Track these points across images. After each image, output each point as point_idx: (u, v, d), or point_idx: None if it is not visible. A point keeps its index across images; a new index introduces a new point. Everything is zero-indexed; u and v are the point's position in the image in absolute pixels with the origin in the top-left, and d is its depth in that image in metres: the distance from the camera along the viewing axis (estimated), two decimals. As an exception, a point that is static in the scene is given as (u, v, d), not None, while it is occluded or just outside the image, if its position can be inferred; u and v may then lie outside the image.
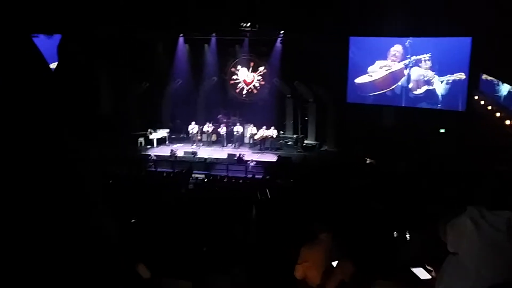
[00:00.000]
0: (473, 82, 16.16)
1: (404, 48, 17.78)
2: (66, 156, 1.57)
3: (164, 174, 15.01)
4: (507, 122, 14.14)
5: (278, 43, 20.24)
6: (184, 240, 4.80)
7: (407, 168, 13.57)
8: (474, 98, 16.15)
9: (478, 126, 14.76)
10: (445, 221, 1.85)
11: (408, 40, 17.61)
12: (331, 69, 18.22)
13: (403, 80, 18.07)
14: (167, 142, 20.56)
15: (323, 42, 17.60)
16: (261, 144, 19.64)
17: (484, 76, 15.71)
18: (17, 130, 1.32)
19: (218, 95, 21.48)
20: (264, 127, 19.40)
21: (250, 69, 21.39)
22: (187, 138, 20.78)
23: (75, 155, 1.65)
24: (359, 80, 18.74)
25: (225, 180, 14.45)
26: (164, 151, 19.06)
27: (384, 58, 18.26)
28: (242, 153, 18.21)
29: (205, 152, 18.92)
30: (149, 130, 20.12)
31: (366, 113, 18.04)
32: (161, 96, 21.35)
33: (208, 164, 17.31)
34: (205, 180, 14.57)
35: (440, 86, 17.23)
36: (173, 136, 21.18)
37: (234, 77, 21.62)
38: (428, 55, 17.25)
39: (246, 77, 21.50)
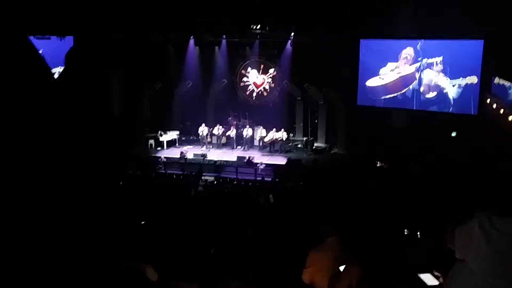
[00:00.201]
0: (485, 85, 16.00)
1: (416, 50, 17.67)
2: (69, 157, 1.58)
3: (174, 176, 15.07)
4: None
5: (288, 46, 20.23)
6: (192, 242, 4.81)
7: (419, 172, 13.48)
8: (486, 101, 16.00)
9: (490, 130, 14.62)
10: (452, 228, 1.83)
11: (420, 43, 17.50)
12: (342, 72, 18.19)
13: (414, 83, 17.96)
14: (177, 144, 20.64)
15: (333, 44, 17.59)
16: (271, 147, 19.63)
17: (496, 80, 15.56)
18: (18, 132, 1.33)
19: (228, 97, 21.54)
20: (274, 129, 19.39)
21: (260, 71, 21.41)
22: (197, 140, 20.84)
23: (81, 156, 1.66)
24: (370, 83, 18.65)
25: (235, 182, 14.47)
26: (174, 153, 19.14)
27: (395, 60, 18.16)
28: (251, 155, 18.21)
29: (215, 154, 18.96)
30: (159, 132, 20.23)
31: (376, 116, 17.96)
32: (171, 98, 21.45)
33: (218, 166, 17.34)
34: (215, 182, 14.60)
35: (452, 89, 17.09)
36: (183, 138, 21.26)
37: (244, 79, 21.65)
38: (440, 58, 17.12)
39: (256, 79, 21.52)
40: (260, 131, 20.09)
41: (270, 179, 15.24)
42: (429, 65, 17.48)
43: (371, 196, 9.00)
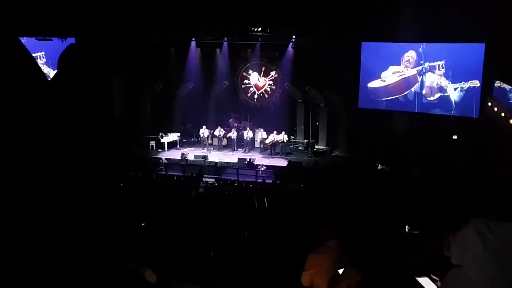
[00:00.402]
0: (486, 89, 16.00)
1: (418, 54, 17.67)
2: (65, 158, 1.58)
3: (175, 178, 15.07)
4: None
5: (290, 48, 20.25)
6: (193, 244, 4.81)
7: (420, 175, 13.46)
8: (487, 104, 15.99)
9: (491, 133, 14.61)
10: (449, 235, 1.83)
11: (422, 46, 17.49)
12: (343, 74, 18.19)
13: (416, 86, 17.95)
14: (178, 145, 20.65)
15: (334, 47, 17.60)
16: (272, 149, 19.63)
17: (497, 83, 15.56)
18: (9, 134, 1.33)
19: (229, 99, 21.56)
20: (275, 131, 19.40)
21: (262, 73, 21.42)
22: (198, 142, 20.87)
23: (76, 156, 1.66)
24: (372, 84, 18.65)
25: (235, 184, 14.47)
26: (175, 154, 19.15)
27: (398, 63, 18.15)
28: (252, 157, 18.21)
29: (216, 156, 18.97)
30: (160, 133, 20.25)
31: (378, 119, 17.95)
32: (172, 100, 21.48)
33: (219, 168, 17.35)
34: (215, 184, 14.60)
35: (454, 93, 17.08)
36: (184, 140, 21.28)
37: (246, 81, 21.67)
38: (442, 62, 17.12)
39: (258, 81, 21.53)
40: (261, 133, 20.11)
41: (271, 181, 15.23)
42: (431, 69, 17.47)
43: (372, 199, 8.99)
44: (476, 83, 16.37)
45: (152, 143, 20.25)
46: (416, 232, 6.79)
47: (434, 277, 3.14)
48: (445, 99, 17.35)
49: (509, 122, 14.68)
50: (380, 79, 18.49)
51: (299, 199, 9.59)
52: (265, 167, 17.25)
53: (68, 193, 1.59)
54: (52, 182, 1.51)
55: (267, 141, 19.74)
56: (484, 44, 15.78)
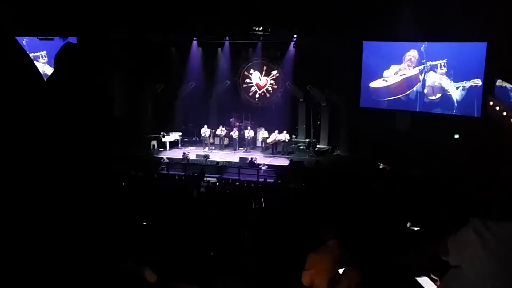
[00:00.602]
0: (488, 88, 15.97)
1: (420, 53, 17.64)
2: (61, 157, 1.58)
3: (176, 177, 15.08)
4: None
5: (291, 47, 20.25)
6: (193, 243, 4.81)
7: (421, 174, 13.45)
8: (489, 103, 15.97)
9: (493, 132, 14.59)
10: (447, 238, 1.82)
11: (424, 45, 17.47)
12: (344, 74, 18.18)
13: (418, 85, 17.93)
14: (179, 145, 20.67)
15: (336, 46, 17.58)
16: (273, 148, 19.64)
17: (499, 82, 15.53)
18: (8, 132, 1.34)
19: (231, 98, 21.57)
20: (277, 131, 19.41)
21: (263, 73, 21.42)
22: (199, 141, 20.88)
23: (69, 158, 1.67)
24: (374, 84, 18.63)
25: (237, 183, 14.47)
26: (176, 154, 19.16)
27: (399, 63, 18.13)
28: (254, 157, 18.22)
29: (217, 156, 18.98)
30: (162, 133, 20.27)
31: (379, 118, 17.93)
32: (174, 99, 21.49)
33: (220, 168, 17.36)
34: (217, 183, 14.61)
35: (455, 92, 17.05)
36: (186, 139, 21.30)
37: (247, 80, 21.67)
38: (444, 61, 17.09)
39: (259, 81, 21.53)
40: (262, 133, 20.12)
41: (272, 180, 15.24)
42: (433, 68, 17.44)
43: (373, 198, 8.99)
44: (478, 82, 16.34)
45: (154, 142, 20.28)
46: (416, 229, 6.80)
47: (433, 277, 3.15)
48: (446, 98, 17.32)
49: (510, 121, 14.65)
50: (382, 79, 18.47)
51: (300, 199, 9.59)
52: (266, 167, 17.25)
53: (66, 193, 1.60)
54: (48, 181, 1.51)
55: (268, 141, 19.75)
56: (485, 43, 15.75)
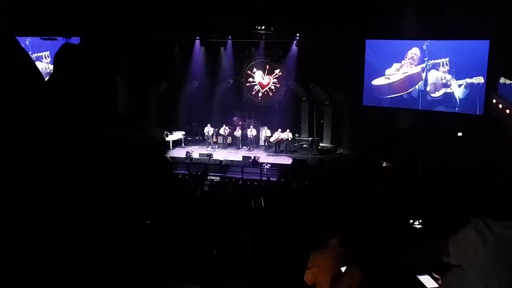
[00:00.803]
0: (491, 86, 15.92)
1: (422, 51, 17.61)
2: (63, 157, 1.61)
3: (180, 176, 15.11)
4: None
5: (294, 46, 20.24)
6: (196, 243, 4.84)
7: (425, 172, 13.44)
8: (492, 101, 15.92)
9: (496, 130, 14.55)
10: (447, 240, 1.83)
11: (426, 43, 17.44)
12: (347, 72, 18.15)
13: (420, 83, 17.90)
14: (182, 144, 20.71)
15: (338, 45, 17.57)
16: (276, 147, 19.66)
17: (502, 80, 15.48)
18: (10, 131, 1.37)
19: (234, 97, 21.57)
20: (280, 129, 19.42)
21: (266, 71, 21.43)
22: (203, 140, 20.92)
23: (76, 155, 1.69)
24: (376, 82, 18.60)
25: (240, 182, 14.50)
26: (179, 153, 19.19)
27: (401, 61, 18.10)
28: (257, 155, 18.24)
29: (220, 154, 19.01)
30: (165, 132, 20.30)
31: (382, 116, 17.91)
32: (177, 98, 21.52)
33: (223, 166, 17.38)
34: (220, 182, 14.64)
35: (458, 89, 17.02)
36: (189, 138, 21.33)
37: (250, 79, 21.68)
38: (446, 59, 17.05)
39: (262, 79, 21.54)
40: (265, 131, 20.13)
41: (275, 179, 15.26)
42: (435, 66, 17.41)
43: (376, 197, 9.00)
44: (480, 79, 16.30)
45: (157, 141, 20.32)
46: (419, 227, 6.82)
47: (435, 275, 3.16)
48: (449, 96, 17.29)
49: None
50: (384, 77, 18.45)
51: (302, 197, 9.61)
52: (269, 165, 17.27)
53: (67, 192, 1.62)
54: (49, 181, 1.53)
55: (271, 139, 19.77)
56: (488, 41, 15.71)
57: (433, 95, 17.69)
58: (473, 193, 8.85)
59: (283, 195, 10.49)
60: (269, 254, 4.76)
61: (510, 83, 14.96)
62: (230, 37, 20.67)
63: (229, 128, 20.38)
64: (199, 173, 14.72)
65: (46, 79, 1.78)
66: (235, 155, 19.14)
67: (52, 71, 1.92)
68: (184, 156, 18.40)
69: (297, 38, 19.93)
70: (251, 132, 20.04)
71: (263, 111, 21.23)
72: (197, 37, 20.89)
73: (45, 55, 19.37)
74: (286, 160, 18.16)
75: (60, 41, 18.24)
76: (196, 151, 19.11)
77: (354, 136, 19.21)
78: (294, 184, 13.13)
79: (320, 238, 4.06)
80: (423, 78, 17.79)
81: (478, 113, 16.46)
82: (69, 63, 1.92)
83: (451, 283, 1.85)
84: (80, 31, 16.50)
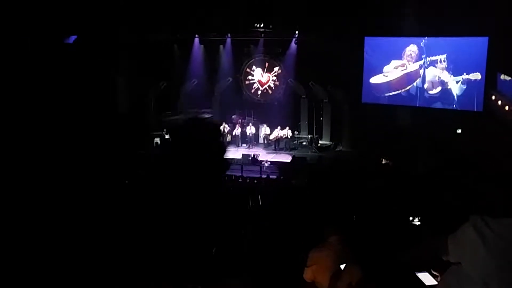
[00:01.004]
0: (490, 82, 15.93)
1: (419, 48, 17.61)
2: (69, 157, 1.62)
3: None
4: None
5: (293, 44, 20.24)
6: (194, 242, 4.82)
7: (424, 170, 13.46)
8: (491, 98, 15.93)
9: (495, 127, 14.56)
10: (446, 237, 1.83)
11: (423, 40, 17.44)
12: (346, 70, 18.15)
13: (418, 80, 17.91)
14: (182, 142, 20.66)
15: (337, 43, 17.56)
16: (276, 145, 19.67)
17: (502, 76, 15.49)
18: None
19: (233, 95, 21.58)
20: (279, 127, 19.42)
21: (265, 69, 21.43)
22: (202, 138, 20.86)
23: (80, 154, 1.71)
24: (374, 80, 18.62)
25: (240, 180, 14.50)
26: (179, 151, 19.15)
27: (399, 58, 18.11)
28: (256, 153, 18.25)
29: (220, 152, 18.96)
30: (165, 130, 20.28)
31: (381, 113, 17.93)
32: (176, 97, 21.52)
33: (223, 164, 17.34)
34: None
35: (455, 86, 17.03)
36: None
37: (249, 77, 21.68)
38: (444, 56, 17.06)
39: (261, 77, 21.54)
40: (265, 129, 20.14)
41: (275, 176, 15.27)
42: (433, 63, 17.42)
43: (375, 194, 9.01)
44: (477, 75, 16.31)
45: (157, 139, 20.30)
46: (418, 224, 6.83)
47: (434, 272, 3.17)
48: (446, 93, 17.31)
49: (513, 115, 14.62)
50: (383, 74, 18.46)
51: (302, 195, 9.62)
52: (269, 163, 17.28)
53: (69, 191, 1.63)
54: (51, 180, 1.55)
55: (271, 137, 19.78)
56: (487, 37, 15.70)
57: (430, 92, 17.70)
58: (472, 189, 8.86)
59: (282, 192, 10.49)
60: (269, 252, 4.77)
61: (510, 80, 14.96)
62: (229, 35, 20.66)
63: (228, 126, 20.37)
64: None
65: None
66: (235, 153, 19.12)
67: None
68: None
69: (296, 36, 19.91)
70: (251, 130, 20.04)
71: (262, 109, 21.23)
72: (196, 36, 20.87)
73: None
74: (286, 157, 18.16)
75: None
76: (196, 149, 19.07)
77: (354, 134, 19.22)
78: (294, 182, 13.13)
79: (319, 236, 4.07)
80: (421, 75, 17.79)
81: (475, 110, 16.49)
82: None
83: (450, 280, 1.86)
84: (77, 31, 16.49)
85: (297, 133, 20.88)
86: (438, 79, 17.40)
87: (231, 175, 15.44)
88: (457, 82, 16.95)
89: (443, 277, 1.95)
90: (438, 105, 17.53)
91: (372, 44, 18.61)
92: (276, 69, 21.25)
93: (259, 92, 21.71)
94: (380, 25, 17.03)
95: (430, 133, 15.93)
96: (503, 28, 13.68)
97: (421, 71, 17.75)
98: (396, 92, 18.38)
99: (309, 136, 20.64)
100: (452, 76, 17.06)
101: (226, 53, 21.21)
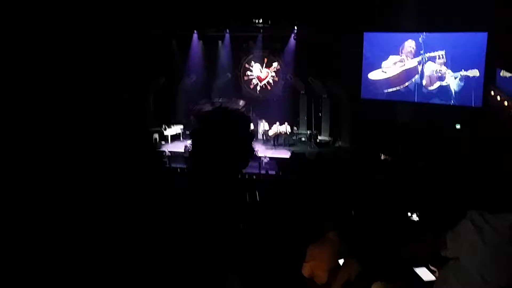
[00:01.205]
0: (489, 78, 15.92)
1: (418, 43, 17.59)
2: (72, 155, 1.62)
3: (178, 170, 15.09)
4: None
5: (292, 39, 20.21)
6: (195, 238, 4.82)
7: (424, 165, 13.47)
8: (490, 94, 15.92)
9: (493, 122, 14.57)
10: (444, 232, 1.84)
11: (422, 36, 17.41)
12: (345, 65, 18.14)
13: (416, 76, 17.90)
14: (181, 138, 20.70)
15: (336, 38, 17.54)
16: (275, 140, 19.67)
17: (502, 73, 15.48)
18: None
19: (232, 91, 21.55)
20: (278, 123, 19.43)
21: (264, 65, 21.42)
22: (201, 134, 20.85)
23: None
24: (372, 75, 18.60)
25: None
26: (178, 147, 19.17)
27: (398, 53, 18.10)
28: (255, 149, 18.21)
29: (219, 148, 18.95)
30: (163, 126, 20.29)
31: (380, 109, 17.93)
32: (175, 93, 21.51)
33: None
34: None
35: (453, 82, 17.02)
36: (187, 132, 21.29)
37: (248, 73, 21.67)
38: (443, 52, 17.04)
39: (260, 73, 21.52)
40: (264, 125, 20.14)
41: (274, 172, 15.27)
42: (431, 59, 17.39)
43: (374, 190, 9.01)
44: (475, 72, 16.30)
45: (155, 135, 20.30)
46: (416, 219, 6.83)
47: (432, 267, 3.17)
48: (444, 89, 17.29)
49: None
50: (381, 70, 18.44)
51: (300, 190, 9.61)
52: (268, 159, 17.27)
53: (71, 189, 1.63)
54: (51, 180, 1.55)
55: (270, 133, 19.78)
56: (486, 33, 15.68)
57: (429, 87, 17.70)
58: (471, 185, 8.87)
59: (281, 188, 10.48)
60: (267, 248, 4.77)
61: (510, 76, 14.96)
62: (228, 30, 20.62)
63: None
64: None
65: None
66: (234, 149, 19.11)
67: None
68: (183, 150, 18.39)
69: (295, 31, 19.88)
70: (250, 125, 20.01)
71: (261, 105, 21.21)
72: (195, 31, 20.83)
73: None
74: (285, 153, 18.16)
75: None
76: (195, 145, 19.06)
77: (353, 129, 19.24)
78: (292, 177, 13.12)
79: (318, 231, 4.07)
80: (419, 71, 17.78)
81: (472, 105, 16.50)
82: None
83: (448, 275, 1.87)
84: (75, 28, 16.42)
85: (296, 128, 20.90)
86: (436, 74, 17.38)
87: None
88: (455, 78, 16.94)
89: (441, 272, 1.96)
90: (435, 100, 17.53)
91: (371, 40, 18.58)
92: (275, 64, 21.23)
93: (258, 88, 21.69)
94: (379, 20, 17.01)
95: (429, 129, 15.94)
96: (502, 24, 13.66)
97: (419, 67, 17.73)
98: (395, 89, 18.37)
99: (308, 132, 20.65)
100: (450, 71, 17.04)
101: (225, 48, 21.17)
